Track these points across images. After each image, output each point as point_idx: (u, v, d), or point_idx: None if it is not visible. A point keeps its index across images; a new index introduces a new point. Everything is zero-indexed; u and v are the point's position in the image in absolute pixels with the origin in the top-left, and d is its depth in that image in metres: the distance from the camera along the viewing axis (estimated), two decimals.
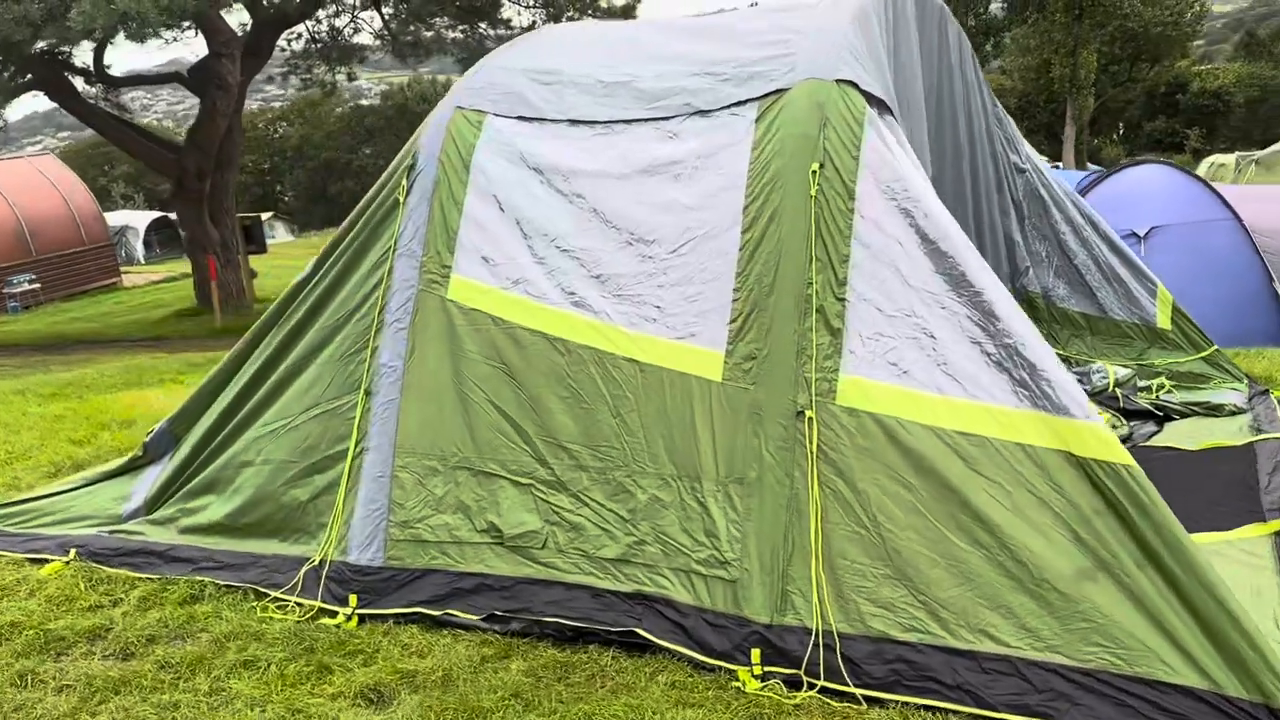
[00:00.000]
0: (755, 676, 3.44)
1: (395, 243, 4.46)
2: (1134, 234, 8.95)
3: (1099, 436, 3.22)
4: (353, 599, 4.13)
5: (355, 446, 4.34)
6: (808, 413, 3.60)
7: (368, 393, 4.37)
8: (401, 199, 4.49)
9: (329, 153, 79.60)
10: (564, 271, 4.17)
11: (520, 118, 4.46)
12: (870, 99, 3.88)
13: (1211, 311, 7.57)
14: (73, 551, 4.80)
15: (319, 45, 22.48)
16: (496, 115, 4.49)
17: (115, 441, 7.22)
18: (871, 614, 3.40)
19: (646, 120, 4.25)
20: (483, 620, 3.94)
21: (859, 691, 3.30)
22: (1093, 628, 3.13)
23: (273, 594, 4.25)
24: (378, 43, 22.50)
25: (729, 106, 4.09)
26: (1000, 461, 3.36)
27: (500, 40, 20.79)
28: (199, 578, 4.45)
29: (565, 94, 4.47)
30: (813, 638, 3.41)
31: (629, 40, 4.80)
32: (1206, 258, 9.05)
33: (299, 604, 4.18)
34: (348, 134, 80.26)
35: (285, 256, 31.13)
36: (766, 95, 4.02)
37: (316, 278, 4.72)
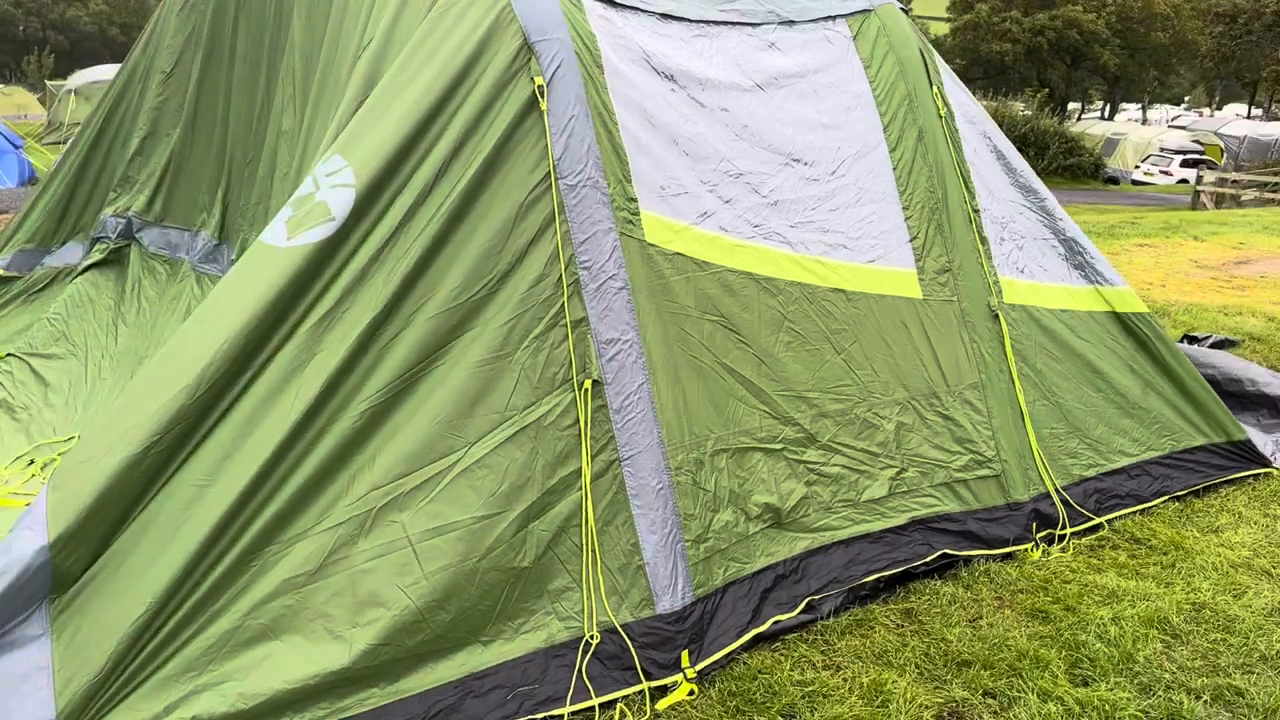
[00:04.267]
0: (1035, 546, 3.90)
1: (555, 168, 3.06)
2: None
3: (1126, 296, 4.52)
4: (684, 658, 3.02)
5: (592, 461, 2.99)
6: (999, 313, 4.03)
7: (596, 383, 3.02)
8: (544, 104, 3.06)
9: None
10: (739, 200, 3.54)
11: (611, 2, 3.44)
12: None
13: None
14: None
15: None
16: None
17: None
18: (1070, 464, 4.15)
19: (734, 24, 3.77)
20: (803, 614, 3.37)
21: (1099, 519, 4.07)
22: (1161, 426, 4.48)
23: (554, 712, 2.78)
24: None
25: (817, 20, 3.95)
26: (1085, 328, 4.39)
27: None
28: None
29: None
30: (1053, 498, 4.02)
31: None
32: None
33: (601, 706, 2.86)
34: None
35: None
36: (854, 14, 4.02)
37: (375, 231, 2.86)
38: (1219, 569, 3.84)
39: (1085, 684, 3.08)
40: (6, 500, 4.17)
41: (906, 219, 3.94)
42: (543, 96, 3.10)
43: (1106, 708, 2.95)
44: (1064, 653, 3.23)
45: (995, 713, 2.96)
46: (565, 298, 3.05)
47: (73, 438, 4.63)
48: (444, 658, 2.79)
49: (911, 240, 3.94)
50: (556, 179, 3.09)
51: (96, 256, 5.34)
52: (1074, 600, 3.54)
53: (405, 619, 2.72)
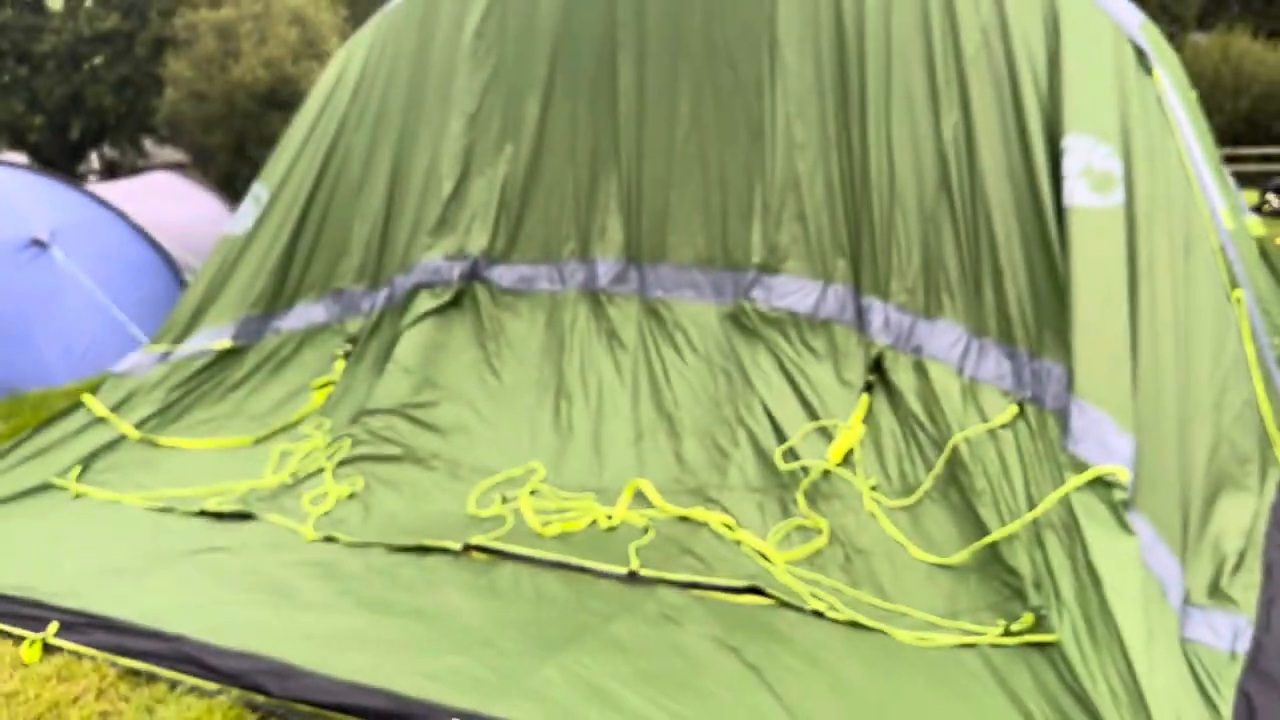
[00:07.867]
0: None
1: (1185, 149, 4.16)
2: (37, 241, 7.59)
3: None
4: None
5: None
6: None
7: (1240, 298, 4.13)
8: (1163, 96, 4.11)
9: None
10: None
11: None
12: None
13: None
14: None
15: None
16: None
17: None
18: None
19: None
20: None
21: None
22: None
23: None
24: None
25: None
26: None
27: None
28: None
29: None
30: None
31: None
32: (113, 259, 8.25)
33: None
34: None
35: None
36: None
37: (1137, 194, 3.78)
38: None
39: None
40: (557, 527, 4.23)
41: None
42: (1162, 90, 4.17)
43: None
44: None
45: None
46: (1220, 251, 4.13)
47: (533, 469, 4.69)
48: None
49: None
50: (1187, 158, 4.17)
51: (433, 302, 5.28)
52: None
53: None
